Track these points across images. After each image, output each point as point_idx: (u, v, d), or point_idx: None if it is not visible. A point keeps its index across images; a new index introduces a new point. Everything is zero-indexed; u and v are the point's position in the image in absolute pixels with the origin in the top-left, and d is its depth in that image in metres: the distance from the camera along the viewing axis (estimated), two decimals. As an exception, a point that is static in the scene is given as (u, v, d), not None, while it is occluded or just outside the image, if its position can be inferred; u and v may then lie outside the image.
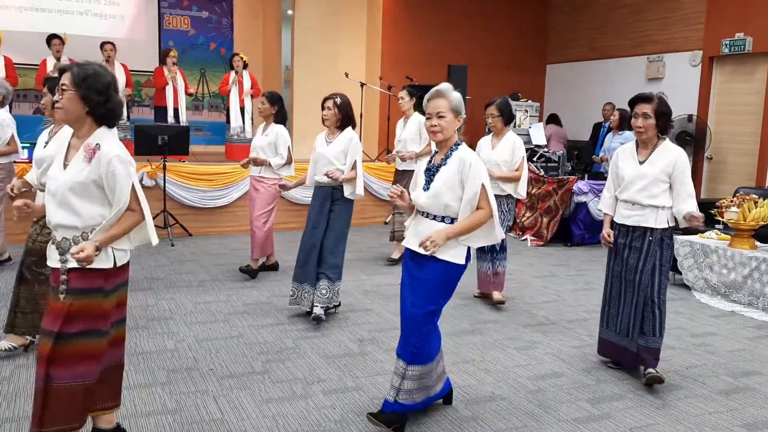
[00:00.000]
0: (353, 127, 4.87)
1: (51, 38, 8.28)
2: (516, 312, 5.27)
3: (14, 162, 5.99)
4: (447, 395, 3.51)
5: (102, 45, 8.46)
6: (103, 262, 2.61)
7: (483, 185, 3.09)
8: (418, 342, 3.15)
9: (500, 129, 5.33)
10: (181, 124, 8.61)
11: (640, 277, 3.88)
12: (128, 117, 8.78)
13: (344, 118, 4.79)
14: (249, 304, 5.18)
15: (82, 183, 2.58)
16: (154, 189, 7.52)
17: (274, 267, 6.22)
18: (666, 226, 3.83)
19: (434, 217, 3.16)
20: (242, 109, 9.06)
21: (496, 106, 5.30)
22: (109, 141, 2.65)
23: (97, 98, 2.59)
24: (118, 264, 2.67)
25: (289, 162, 5.86)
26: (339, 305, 4.98)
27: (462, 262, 3.15)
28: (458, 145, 3.20)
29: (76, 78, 2.58)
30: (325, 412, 3.39)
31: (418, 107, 6.69)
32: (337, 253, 4.81)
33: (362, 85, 9.49)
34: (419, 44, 11.29)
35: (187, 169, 7.78)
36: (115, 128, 2.81)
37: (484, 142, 5.47)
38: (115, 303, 2.74)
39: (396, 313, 5.01)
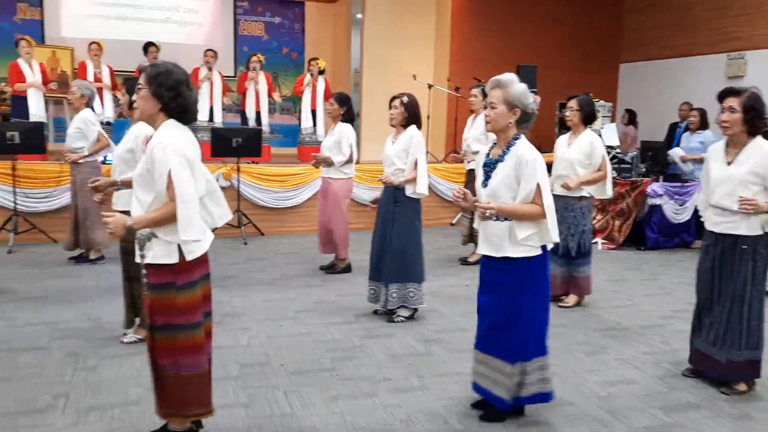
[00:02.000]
0: (419, 127, 4.86)
1: (148, 46, 8.70)
2: (586, 316, 5.17)
3: (99, 160, 6.28)
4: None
5: (205, 52, 8.87)
6: (165, 258, 2.67)
7: (538, 185, 3.04)
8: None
9: (577, 125, 5.22)
10: (263, 127, 8.86)
11: (732, 287, 3.62)
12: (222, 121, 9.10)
13: (410, 116, 4.78)
14: (318, 303, 5.28)
15: (141, 174, 2.69)
16: (228, 189, 7.76)
17: (347, 269, 6.31)
18: (760, 233, 3.54)
19: (496, 218, 3.14)
20: (314, 112, 9.24)
21: (577, 100, 5.23)
22: (165, 131, 2.70)
23: (167, 94, 2.69)
24: (187, 259, 2.70)
25: (350, 160, 5.95)
26: (420, 306, 4.93)
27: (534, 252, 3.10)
28: (516, 138, 3.13)
29: (149, 76, 2.71)
30: (391, 410, 3.43)
31: None
32: (405, 256, 4.77)
33: (430, 86, 9.50)
34: (487, 45, 11.21)
35: (260, 170, 8.00)
36: (180, 123, 2.79)
37: (561, 139, 5.39)
38: (201, 296, 2.80)
39: (462, 315, 5.01)
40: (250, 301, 5.29)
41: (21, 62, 7.99)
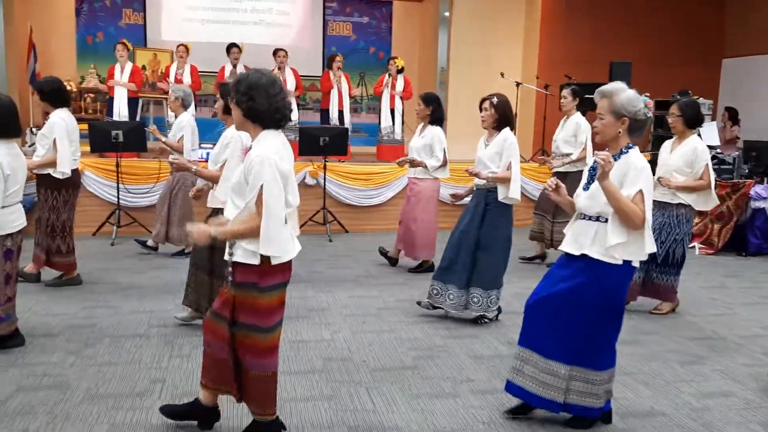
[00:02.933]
0: (512, 128, 4.74)
1: (230, 47, 9.04)
2: (680, 324, 4.94)
3: (195, 159, 6.59)
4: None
5: (275, 52, 9.09)
6: (248, 258, 2.75)
7: (641, 192, 2.92)
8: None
9: (681, 131, 4.99)
10: (346, 126, 9.01)
11: None
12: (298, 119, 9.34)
13: (501, 118, 4.65)
14: (401, 301, 5.32)
15: (238, 182, 2.79)
16: (314, 187, 7.94)
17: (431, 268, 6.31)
18: None
19: (589, 218, 3.05)
20: (392, 111, 9.30)
21: (678, 104, 4.98)
22: (263, 143, 2.77)
23: (242, 99, 2.78)
24: (273, 263, 2.75)
25: (444, 164, 5.92)
26: (500, 312, 4.90)
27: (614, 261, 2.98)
28: (629, 148, 3.02)
29: (232, 85, 2.84)
30: (473, 411, 3.41)
31: (580, 107, 6.47)
32: (492, 262, 4.69)
33: (518, 84, 9.35)
34: (578, 41, 10.89)
35: (346, 168, 8.14)
36: (277, 130, 2.87)
37: (666, 144, 5.18)
38: (277, 302, 2.88)
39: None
40: (335, 297, 5.39)
41: (117, 66, 8.53)
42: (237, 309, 2.84)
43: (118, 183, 7.17)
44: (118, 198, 7.18)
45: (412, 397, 3.57)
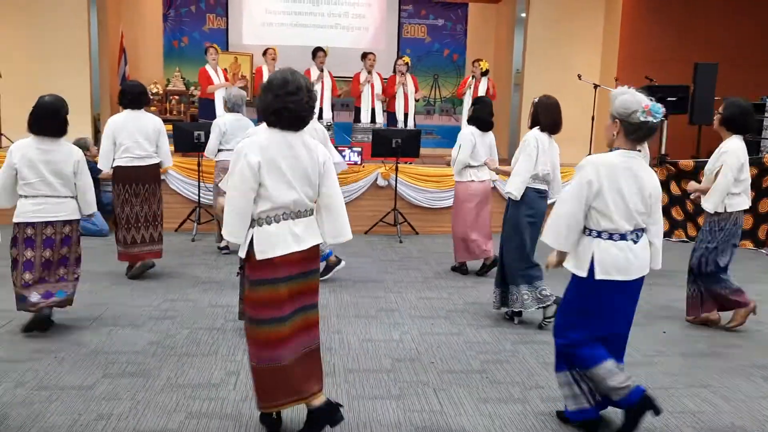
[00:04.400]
0: (546, 129, 4.70)
1: (316, 51, 9.22)
2: (766, 336, 4.70)
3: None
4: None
5: (364, 55, 9.27)
6: (241, 251, 2.94)
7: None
8: None
9: (719, 130, 4.79)
10: (410, 128, 9.06)
11: None
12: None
13: (534, 118, 4.76)
14: (469, 303, 5.30)
15: None
16: (386, 189, 8.01)
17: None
18: None
19: None
20: None
21: (723, 103, 4.79)
22: (252, 137, 2.92)
23: (257, 98, 2.97)
24: (257, 258, 2.83)
25: (466, 165, 6.00)
26: (517, 314, 4.88)
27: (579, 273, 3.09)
28: (614, 150, 3.08)
29: None
30: (542, 418, 3.37)
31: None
32: (507, 258, 4.80)
33: (596, 86, 9.12)
34: (660, 42, 10.51)
35: (417, 170, 8.17)
36: (283, 129, 2.88)
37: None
38: (285, 294, 2.89)
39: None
40: (404, 297, 5.42)
41: (208, 68, 8.80)
42: (245, 302, 3.04)
43: (199, 182, 7.46)
44: (199, 196, 7.47)
45: (479, 400, 3.55)
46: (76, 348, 4.06)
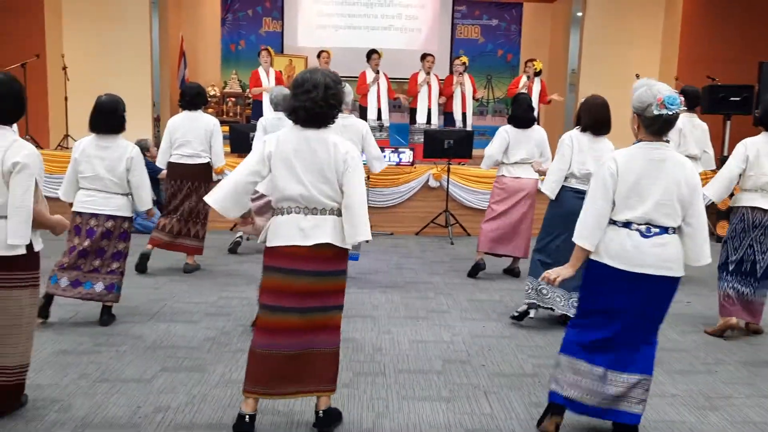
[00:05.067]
0: (588, 130, 4.67)
1: (371, 53, 9.29)
2: (834, 349, 4.50)
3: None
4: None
5: (423, 57, 9.29)
6: (260, 237, 3.15)
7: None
8: None
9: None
10: (467, 128, 9.02)
11: None
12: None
13: (577, 118, 4.78)
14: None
15: None
16: (437, 190, 8.00)
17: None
18: None
19: None
20: None
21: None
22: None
23: None
24: (267, 245, 3.05)
25: (498, 164, 6.06)
26: (526, 312, 4.86)
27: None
28: (635, 144, 3.04)
29: None
30: (595, 423, 3.30)
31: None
32: (537, 251, 4.81)
33: (655, 86, 8.89)
34: (723, 40, 10.15)
35: (469, 171, 8.12)
36: (300, 126, 2.99)
37: None
38: (270, 284, 3.03)
39: (683, 333, 4.65)
40: (455, 299, 5.40)
41: (260, 70, 9.00)
42: None
43: (253, 182, 7.60)
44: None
45: (531, 404, 3.51)
46: (136, 342, 4.21)
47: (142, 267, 5.80)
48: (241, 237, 6.83)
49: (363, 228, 2.98)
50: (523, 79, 9.21)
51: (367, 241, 3.31)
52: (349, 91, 5.36)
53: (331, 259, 3.00)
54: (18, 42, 9.59)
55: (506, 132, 5.91)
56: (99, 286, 4.45)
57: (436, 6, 11.71)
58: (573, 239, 3.09)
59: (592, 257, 3.04)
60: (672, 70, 9.93)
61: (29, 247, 3.06)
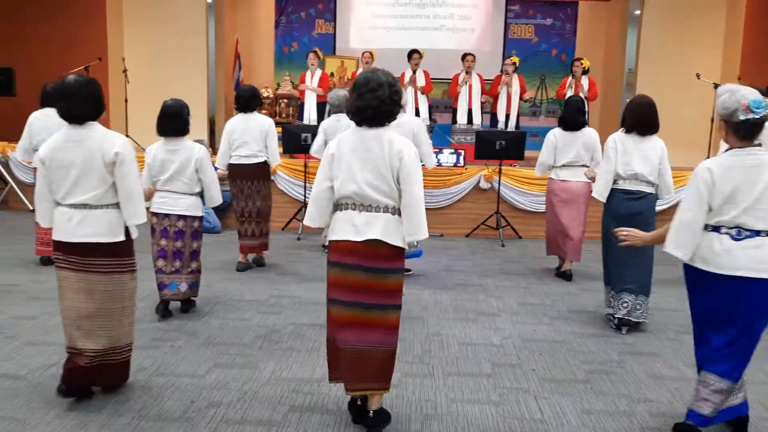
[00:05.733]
0: (633, 131, 4.64)
1: (412, 53, 9.30)
2: None
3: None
4: None
5: (464, 56, 9.21)
6: (326, 233, 3.21)
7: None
8: None
9: None
10: (511, 129, 8.90)
11: None
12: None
13: (621, 118, 4.79)
14: (573, 311, 5.14)
15: None
16: (489, 191, 7.92)
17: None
18: None
19: None
20: None
21: None
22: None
23: None
24: (329, 239, 3.13)
25: (549, 166, 6.08)
26: (624, 324, 4.70)
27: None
28: (726, 150, 3.00)
29: None
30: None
31: None
32: (609, 259, 4.78)
33: (716, 86, 8.58)
34: (792, 37, 9.75)
35: (521, 173, 8.02)
36: (358, 126, 3.09)
37: None
38: (332, 278, 3.11)
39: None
40: (505, 302, 5.34)
41: (308, 73, 9.12)
42: None
43: (305, 182, 7.69)
44: (305, 196, 7.70)
45: (583, 411, 3.44)
46: (190, 338, 4.31)
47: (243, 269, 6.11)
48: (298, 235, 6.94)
49: (419, 227, 3.01)
50: (569, 79, 9.04)
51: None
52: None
53: (384, 257, 3.03)
54: (82, 46, 9.97)
55: (554, 135, 5.95)
56: (183, 286, 4.72)
57: (489, 6, 11.60)
58: (665, 249, 3.06)
59: (686, 262, 3.07)
60: (735, 70, 9.57)
61: (127, 234, 3.37)
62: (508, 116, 9.22)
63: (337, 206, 3.12)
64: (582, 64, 9.01)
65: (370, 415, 3.14)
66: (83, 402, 3.35)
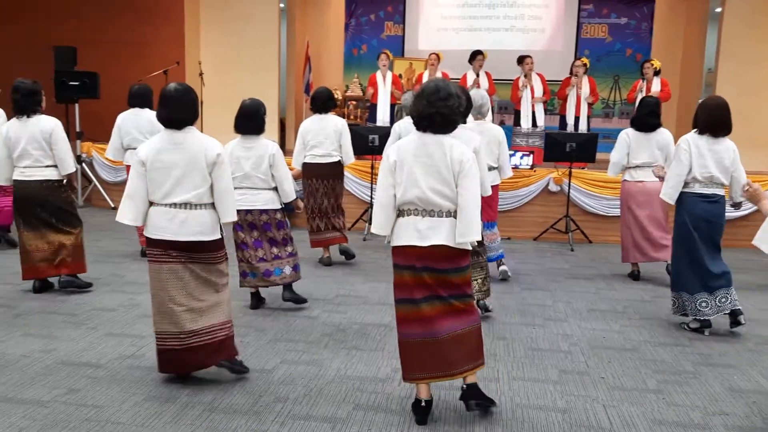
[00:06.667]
0: (699, 131, 4.59)
1: (475, 54, 9.21)
2: None
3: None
4: None
5: (521, 59, 9.07)
6: (389, 238, 3.31)
7: None
8: None
9: None
10: (580, 131, 8.69)
11: None
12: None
13: (693, 120, 4.71)
14: (645, 319, 4.98)
15: None
16: (558, 194, 7.77)
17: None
18: None
19: None
20: None
21: None
22: None
23: None
24: (392, 244, 3.24)
25: (626, 167, 6.00)
26: (703, 326, 4.65)
27: None
28: None
29: None
30: None
31: None
32: (682, 263, 4.67)
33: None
34: None
35: (592, 176, 7.83)
36: (420, 131, 3.21)
37: None
38: (398, 280, 3.21)
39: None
40: (573, 307, 5.23)
41: (378, 74, 9.15)
42: None
43: (371, 183, 7.76)
44: (371, 197, 7.77)
45: (654, 422, 3.33)
46: (259, 334, 4.42)
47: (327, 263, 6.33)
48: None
49: (471, 228, 3.09)
50: (641, 82, 8.75)
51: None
52: (485, 97, 5.35)
53: (451, 258, 3.15)
54: (161, 50, 10.38)
55: (627, 135, 5.89)
56: (287, 270, 4.94)
57: (561, 5, 11.38)
58: (753, 242, 3.07)
59: None
60: (825, 68, 9.07)
61: (221, 231, 3.69)
62: (577, 119, 9.01)
63: (400, 212, 3.21)
64: (653, 65, 8.72)
65: (464, 389, 3.29)
66: (163, 390, 3.50)
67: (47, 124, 5.02)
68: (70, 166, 5.12)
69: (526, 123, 9.01)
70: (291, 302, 4.97)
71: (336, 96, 11.28)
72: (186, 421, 3.21)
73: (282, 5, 10.80)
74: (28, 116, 4.99)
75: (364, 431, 3.18)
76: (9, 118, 5.33)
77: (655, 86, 8.69)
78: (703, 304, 4.55)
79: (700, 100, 4.64)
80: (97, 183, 9.09)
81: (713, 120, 4.51)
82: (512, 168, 7.71)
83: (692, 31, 10.99)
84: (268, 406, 3.39)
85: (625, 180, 6.01)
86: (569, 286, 5.87)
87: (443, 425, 3.25)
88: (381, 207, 3.22)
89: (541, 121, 9.10)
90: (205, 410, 3.32)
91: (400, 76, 10.20)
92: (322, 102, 6.20)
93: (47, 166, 5.05)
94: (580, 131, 8.80)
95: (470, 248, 3.19)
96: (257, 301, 5.02)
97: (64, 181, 5.15)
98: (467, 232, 3.08)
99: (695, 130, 4.60)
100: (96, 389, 3.53)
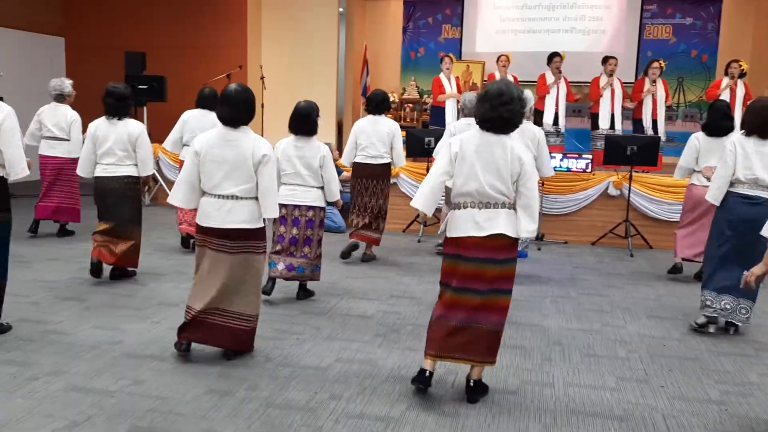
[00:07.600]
0: (747, 133, 4.55)
1: (552, 56, 9.08)
2: None
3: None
4: None
5: (606, 59, 8.93)
6: (441, 228, 3.57)
7: None
8: None
9: None
10: (659, 135, 8.47)
11: None
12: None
13: (742, 121, 4.73)
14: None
15: None
16: (618, 198, 7.61)
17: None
18: None
19: None
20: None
21: None
22: None
23: None
24: (446, 235, 3.41)
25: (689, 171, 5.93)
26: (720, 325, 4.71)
27: None
28: None
29: None
30: None
31: None
32: (708, 260, 4.75)
33: None
34: None
35: (654, 180, 7.63)
36: (483, 131, 3.36)
37: None
38: (451, 269, 3.39)
39: None
40: (632, 314, 5.12)
41: (442, 76, 9.12)
42: None
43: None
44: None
45: (715, 434, 3.24)
46: (314, 332, 4.50)
47: (346, 255, 6.47)
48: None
49: (524, 225, 3.34)
50: (725, 80, 8.44)
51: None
52: (529, 98, 5.39)
53: (503, 248, 3.34)
54: (224, 55, 10.67)
55: (697, 139, 5.81)
56: (308, 270, 5.13)
57: (623, 6, 11.12)
58: None
59: None
60: None
61: (263, 222, 3.90)
62: (654, 122, 8.78)
63: (456, 205, 3.39)
64: (741, 65, 8.43)
65: (470, 384, 3.49)
66: (223, 383, 3.61)
67: (135, 128, 5.39)
68: (150, 168, 5.53)
69: (604, 125, 8.82)
70: (264, 294, 4.79)
71: (392, 99, 11.40)
72: (244, 415, 3.31)
73: (341, 9, 10.94)
74: (119, 119, 5.34)
75: None
76: (83, 119, 5.63)
77: (740, 89, 8.40)
78: (708, 302, 4.62)
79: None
80: (163, 182, 9.41)
81: (761, 121, 4.45)
82: (567, 171, 7.71)
83: (762, 30, 10.57)
84: (323, 402, 3.46)
85: (692, 183, 5.89)
86: (628, 292, 5.74)
87: (496, 427, 3.24)
88: (429, 188, 3.44)
89: (619, 124, 8.91)
90: (263, 405, 3.41)
91: (458, 78, 10.16)
92: (376, 104, 6.33)
93: (128, 165, 5.40)
94: (660, 134, 8.56)
95: (527, 238, 3.38)
96: (270, 289, 5.09)
97: (141, 180, 5.54)
98: (528, 227, 3.32)
99: (743, 131, 4.56)
100: (160, 381, 3.66)
